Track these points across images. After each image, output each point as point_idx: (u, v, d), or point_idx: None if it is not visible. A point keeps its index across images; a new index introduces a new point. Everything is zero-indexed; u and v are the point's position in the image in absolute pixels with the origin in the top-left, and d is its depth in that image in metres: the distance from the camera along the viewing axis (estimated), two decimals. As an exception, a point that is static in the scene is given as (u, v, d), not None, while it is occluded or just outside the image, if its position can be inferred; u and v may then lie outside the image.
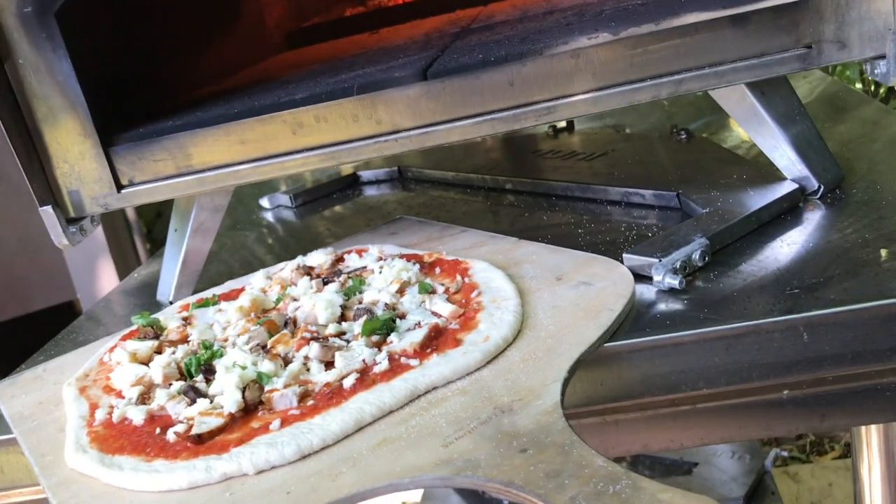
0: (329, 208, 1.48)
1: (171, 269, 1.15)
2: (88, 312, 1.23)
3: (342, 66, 1.22)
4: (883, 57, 0.91)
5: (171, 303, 1.14)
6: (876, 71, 0.93)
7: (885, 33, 0.90)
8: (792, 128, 1.02)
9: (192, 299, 1.08)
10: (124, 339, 0.99)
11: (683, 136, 1.30)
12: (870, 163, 1.10)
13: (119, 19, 1.17)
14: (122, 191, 1.05)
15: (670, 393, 0.79)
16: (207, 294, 1.08)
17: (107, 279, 2.67)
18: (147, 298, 1.23)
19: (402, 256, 1.03)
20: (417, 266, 0.98)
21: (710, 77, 0.94)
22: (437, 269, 0.99)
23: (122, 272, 2.68)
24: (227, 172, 1.03)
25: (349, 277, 1.00)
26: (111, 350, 0.97)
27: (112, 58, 1.12)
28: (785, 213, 0.98)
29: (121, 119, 1.08)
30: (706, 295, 0.84)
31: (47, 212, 1.04)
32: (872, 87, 2.95)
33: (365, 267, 1.02)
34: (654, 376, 0.79)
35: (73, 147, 1.03)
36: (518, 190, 1.30)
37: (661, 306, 0.84)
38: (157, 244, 3.16)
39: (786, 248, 0.90)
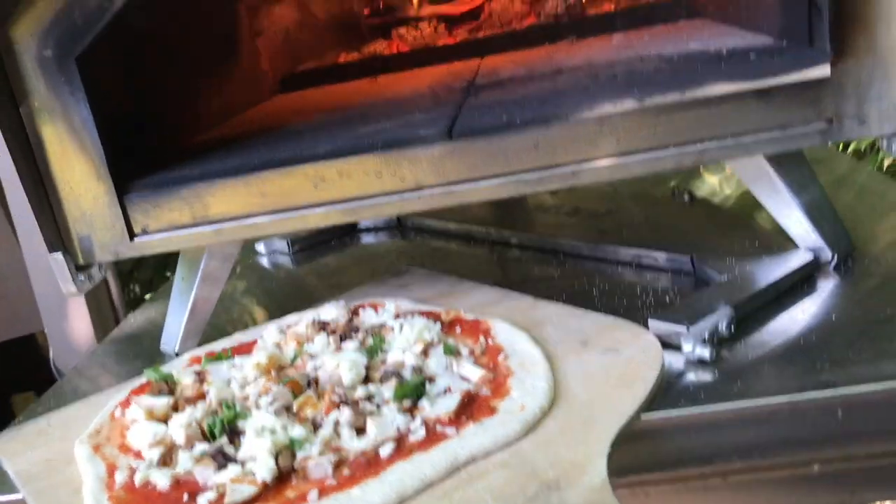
0: (327, 255, 1.47)
1: (177, 318, 1.12)
2: (84, 362, 1.19)
3: (354, 116, 1.21)
4: (901, 134, 0.94)
5: (176, 353, 1.11)
6: (893, 147, 0.95)
7: (902, 111, 0.93)
8: (805, 196, 1.04)
9: (201, 351, 1.05)
10: (135, 393, 0.96)
11: (687, 198, 1.32)
12: (871, 232, 1.12)
13: (128, 64, 1.15)
14: (135, 239, 1.03)
15: (703, 465, 0.80)
16: (217, 347, 1.06)
17: (75, 313, 2.60)
18: (143, 347, 1.20)
19: (420, 313, 1.02)
20: (439, 325, 0.97)
21: (733, 148, 0.96)
22: (458, 329, 0.99)
23: (92, 305, 2.62)
24: (245, 224, 1.02)
25: (368, 335, 0.98)
26: (123, 405, 0.94)
27: (123, 103, 1.10)
28: (800, 282, 1.00)
29: (132, 165, 1.06)
30: (735, 366, 0.85)
31: (57, 259, 1.01)
32: (840, 147, 3.02)
33: (384, 324, 1.01)
34: (688, 449, 0.79)
35: (86, 193, 1.01)
36: (524, 245, 1.30)
37: (691, 376, 0.85)
38: (122, 276, 3.09)
39: (809, 319, 0.91)
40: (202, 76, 1.43)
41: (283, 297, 1.31)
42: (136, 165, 1.06)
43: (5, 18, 0.95)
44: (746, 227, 1.17)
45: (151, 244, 1.03)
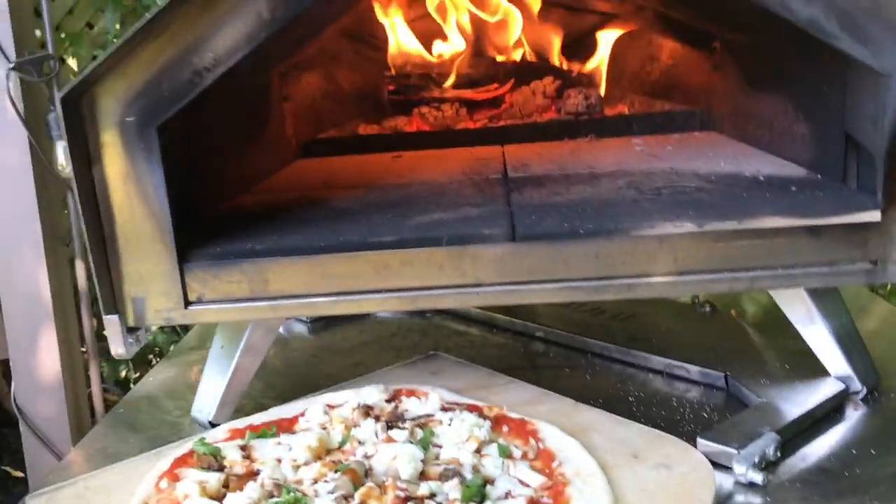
0: (345, 326, 1.47)
1: (214, 386, 1.12)
2: (106, 420, 1.18)
3: (401, 200, 1.23)
4: (939, 281, 1.00)
5: (211, 423, 1.11)
6: (931, 293, 1.01)
7: (942, 261, 0.99)
8: (839, 327, 1.09)
9: (239, 424, 1.05)
10: (178, 463, 0.95)
11: (707, 309, 1.36)
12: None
13: (184, 131, 1.17)
14: (189, 307, 1.03)
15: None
16: (255, 420, 1.05)
17: (45, 347, 2.53)
18: (166, 412, 1.19)
19: (467, 407, 1.03)
20: (489, 423, 0.99)
21: (783, 278, 1.01)
22: (504, 427, 1.00)
23: (63, 339, 2.55)
24: (303, 303, 1.03)
25: (416, 426, 1.00)
26: (168, 476, 0.93)
27: (183, 170, 1.11)
28: (832, 411, 1.05)
29: (190, 232, 1.06)
30: (783, 493, 0.88)
31: (112, 321, 1.01)
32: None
33: (431, 416, 1.02)
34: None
35: (147, 257, 1.01)
36: (550, 340, 1.33)
37: (740, 498, 0.88)
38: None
39: (848, 451, 0.96)
40: (240, 140, 1.44)
41: (307, 372, 1.31)
42: (193, 233, 1.07)
43: (95, 80, 0.96)
44: (771, 345, 1.22)
45: (205, 313, 1.04)
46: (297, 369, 1.31)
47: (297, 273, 1.02)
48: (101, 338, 3.13)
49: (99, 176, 0.99)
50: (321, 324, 1.49)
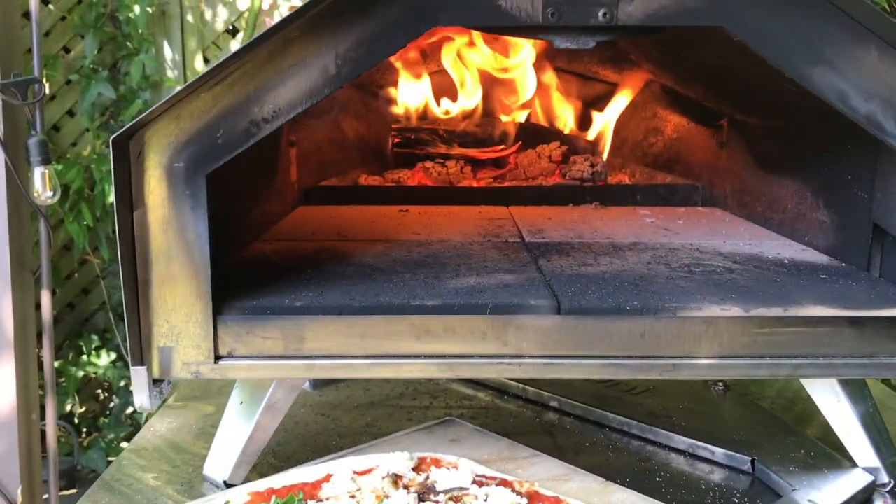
0: (350, 385, 1.43)
1: (230, 445, 1.07)
2: (112, 470, 1.11)
3: (428, 259, 1.21)
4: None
5: (225, 483, 1.06)
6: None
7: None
8: (865, 414, 1.09)
9: (260, 486, 1.00)
10: (202, 528, 0.91)
11: (721, 388, 1.36)
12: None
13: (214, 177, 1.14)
14: (220, 361, 0.99)
15: None
16: (275, 482, 1.01)
17: (1, 377, 2.43)
18: (174, 466, 1.14)
19: (499, 483, 1.00)
20: (525, 501, 0.96)
21: (824, 367, 1.01)
22: (540, 506, 0.98)
23: (21, 372, 2.45)
24: (339, 364, 0.99)
25: (450, 499, 0.96)
26: (194, 543, 0.88)
27: (217, 218, 1.07)
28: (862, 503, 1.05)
29: (222, 284, 1.02)
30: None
31: (139, 372, 0.96)
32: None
33: (465, 490, 0.99)
34: None
35: (180, 307, 0.97)
36: (565, 411, 1.31)
37: None
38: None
39: (887, 548, 0.95)
40: (252, 185, 1.41)
41: (317, 431, 1.26)
42: (221, 283, 1.03)
43: (146, 122, 0.92)
44: (783, 424, 1.22)
45: (236, 369, 0.99)
46: (306, 428, 1.27)
47: (334, 332, 0.99)
48: (58, 372, 3.02)
49: (140, 220, 0.95)
50: (324, 380, 1.45)
